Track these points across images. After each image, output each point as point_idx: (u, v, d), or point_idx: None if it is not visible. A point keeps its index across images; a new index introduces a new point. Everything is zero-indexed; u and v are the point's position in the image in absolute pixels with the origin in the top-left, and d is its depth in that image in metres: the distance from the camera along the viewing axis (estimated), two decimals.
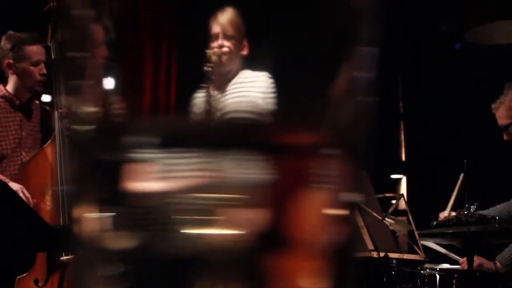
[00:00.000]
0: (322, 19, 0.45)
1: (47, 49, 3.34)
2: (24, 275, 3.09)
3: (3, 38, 3.39)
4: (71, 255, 3.03)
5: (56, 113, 3.12)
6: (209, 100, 2.83)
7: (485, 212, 3.50)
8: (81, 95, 0.46)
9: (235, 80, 2.92)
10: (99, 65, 0.46)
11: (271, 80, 2.95)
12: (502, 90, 3.91)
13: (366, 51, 0.45)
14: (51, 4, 2.93)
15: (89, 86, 0.46)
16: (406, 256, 3.57)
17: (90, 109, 0.46)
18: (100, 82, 0.47)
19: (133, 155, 0.43)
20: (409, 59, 6.25)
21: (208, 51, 2.65)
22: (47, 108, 3.53)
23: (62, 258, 3.04)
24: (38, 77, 3.36)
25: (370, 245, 3.44)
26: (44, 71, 3.36)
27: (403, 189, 6.57)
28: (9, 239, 2.48)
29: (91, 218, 0.45)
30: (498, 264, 3.54)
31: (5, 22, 3.63)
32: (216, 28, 2.74)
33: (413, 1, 5.62)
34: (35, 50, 3.36)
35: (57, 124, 3.11)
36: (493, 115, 3.86)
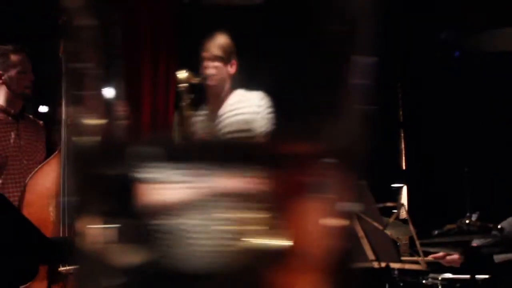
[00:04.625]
0: (322, 28, 0.44)
1: (30, 57, 3.54)
2: (25, 286, 3.09)
3: None
4: (70, 267, 3.05)
5: (62, 125, 3.22)
6: (182, 120, 3.03)
7: (504, 224, 3.46)
8: (86, 106, 0.45)
9: (229, 100, 3.11)
10: (101, 77, 0.46)
11: (266, 99, 3.17)
12: (501, 97, 3.90)
13: (366, 60, 0.44)
14: (65, 18, 2.97)
15: (92, 97, 0.45)
16: (408, 266, 3.54)
17: (94, 121, 0.45)
18: (102, 95, 0.47)
19: (137, 169, 0.43)
20: (408, 67, 6.25)
21: (179, 74, 2.90)
22: (40, 122, 3.67)
23: (60, 269, 3.05)
24: (27, 83, 3.49)
25: (371, 255, 3.42)
26: (32, 78, 3.51)
27: (404, 198, 6.55)
28: (7, 251, 2.48)
29: (95, 231, 0.44)
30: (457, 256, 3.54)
31: (19, 36, 3.77)
32: (204, 53, 3.02)
33: (412, 9, 5.62)
34: (20, 59, 3.50)
35: (63, 136, 3.19)
36: (495, 122, 3.84)
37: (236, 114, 2.88)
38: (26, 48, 3.55)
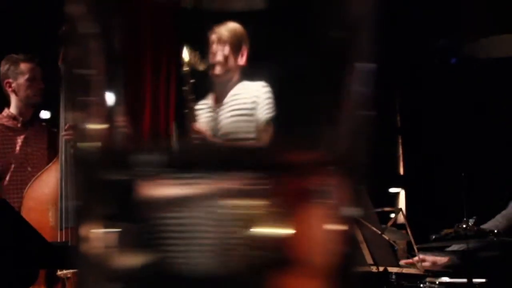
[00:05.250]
0: (321, 34, 0.46)
1: (41, 66, 3.63)
2: None
3: (2, 62, 3.64)
4: (69, 270, 3.09)
5: (60, 132, 3.30)
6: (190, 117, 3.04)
7: (485, 226, 3.50)
8: (87, 112, 0.47)
9: (233, 91, 3.10)
10: (104, 82, 0.48)
11: (267, 88, 3.15)
12: (498, 103, 3.93)
13: (365, 66, 0.46)
14: (65, 27, 3.02)
15: (95, 103, 0.47)
16: (405, 270, 3.57)
17: (96, 126, 0.47)
18: (105, 100, 0.48)
19: (140, 177, 0.44)
20: (406, 73, 6.29)
21: (186, 49, 2.76)
22: (54, 130, 3.72)
23: (58, 273, 3.10)
24: (36, 91, 3.56)
25: (369, 260, 3.44)
26: (42, 85, 3.59)
27: (401, 203, 6.58)
28: (8, 255, 2.49)
29: (97, 235, 0.45)
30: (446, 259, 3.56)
31: (19, 47, 3.86)
32: (212, 36, 2.92)
33: (410, 15, 5.66)
34: (29, 67, 3.59)
35: (60, 143, 3.25)
36: (492, 128, 3.87)
37: (237, 104, 2.82)
38: (36, 57, 3.63)
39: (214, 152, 0.45)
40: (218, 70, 3.10)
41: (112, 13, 0.48)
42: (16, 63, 3.57)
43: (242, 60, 3.09)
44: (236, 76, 3.22)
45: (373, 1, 0.46)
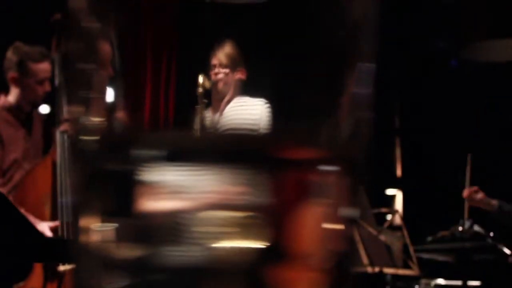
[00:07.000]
0: (323, 34, 0.47)
1: (53, 63, 3.31)
2: (21, 284, 3.09)
3: (10, 50, 3.34)
4: (69, 265, 3.05)
5: (57, 125, 3.16)
6: (202, 121, 3.09)
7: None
8: (87, 106, 0.47)
9: (231, 104, 3.15)
10: (105, 77, 0.48)
11: (267, 105, 3.21)
12: (496, 106, 3.94)
13: (365, 67, 0.46)
14: (57, 16, 2.97)
15: (95, 97, 0.47)
16: (401, 271, 3.58)
17: (95, 119, 0.47)
18: (105, 94, 0.48)
19: (139, 170, 0.44)
20: (405, 74, 6.29)
21: (201, 76, 2.83)
22: (49, 121, 3.54)
23: (60, 268, 3.05)
24: (41, 94, 3.36)
25: (365, 260, 3.45)
26: (48, 89, 3.32)
27: (398, 204, 6.58)
28: (4, 248, 2.50)
29: (95, 229, 0.46)
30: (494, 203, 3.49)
31: (10, 33, 3.64)
32: (214, 60, 3.03)
33: (409, 16, 5.67)
34: (40, 68, 3.32)
35: (58, 136, 3.15)
36: (490, 130, 3.87)
37: (235, 114, 2.88)
38: (49, 52, 3.26)
39: (213, 144, 0.45)
40: (220, 86, 3.16)
41: (112, 5, 0.48)
42: (26, 60, 3.27)
43: (238, 76, 3.15)
44: (232, 91, 3.28)
45: (374, 0, 0.47)
